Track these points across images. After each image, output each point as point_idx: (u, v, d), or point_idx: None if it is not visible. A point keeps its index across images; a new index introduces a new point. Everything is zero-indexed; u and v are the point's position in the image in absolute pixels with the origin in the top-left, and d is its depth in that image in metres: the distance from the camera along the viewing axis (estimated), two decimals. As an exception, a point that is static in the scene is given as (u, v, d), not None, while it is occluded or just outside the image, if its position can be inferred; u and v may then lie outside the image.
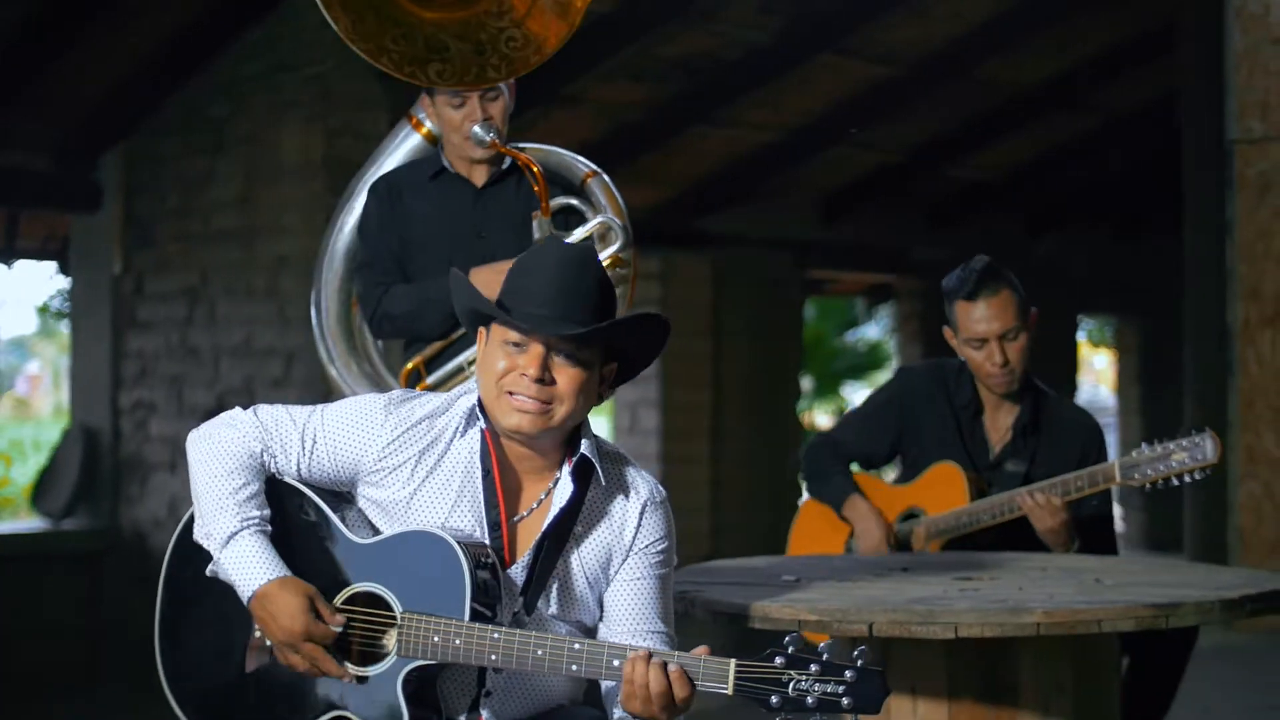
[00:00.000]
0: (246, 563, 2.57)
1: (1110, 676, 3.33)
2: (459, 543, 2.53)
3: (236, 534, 2.58)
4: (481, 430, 2.63)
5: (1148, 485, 3.76)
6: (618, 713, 2.58)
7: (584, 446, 2.63)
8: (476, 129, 3.59)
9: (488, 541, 2.61)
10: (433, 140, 3.81)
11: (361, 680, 2.56)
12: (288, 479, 2.67)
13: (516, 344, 2.56)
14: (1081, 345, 16.84)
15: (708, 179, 9.82)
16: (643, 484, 2.68)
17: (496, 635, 2.49)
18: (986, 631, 2.83)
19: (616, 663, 2.45)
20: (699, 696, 2.45)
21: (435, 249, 3.63)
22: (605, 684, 2.66)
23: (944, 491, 4.03)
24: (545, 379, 2.55)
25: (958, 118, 10.23)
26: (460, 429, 2.64)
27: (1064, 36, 9.43)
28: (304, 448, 2.65)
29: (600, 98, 8.37)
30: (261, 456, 2.65)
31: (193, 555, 2.66)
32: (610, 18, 7.31)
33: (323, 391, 3.92)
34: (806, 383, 14.38)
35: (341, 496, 2.70)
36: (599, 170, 3.75)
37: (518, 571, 2.62)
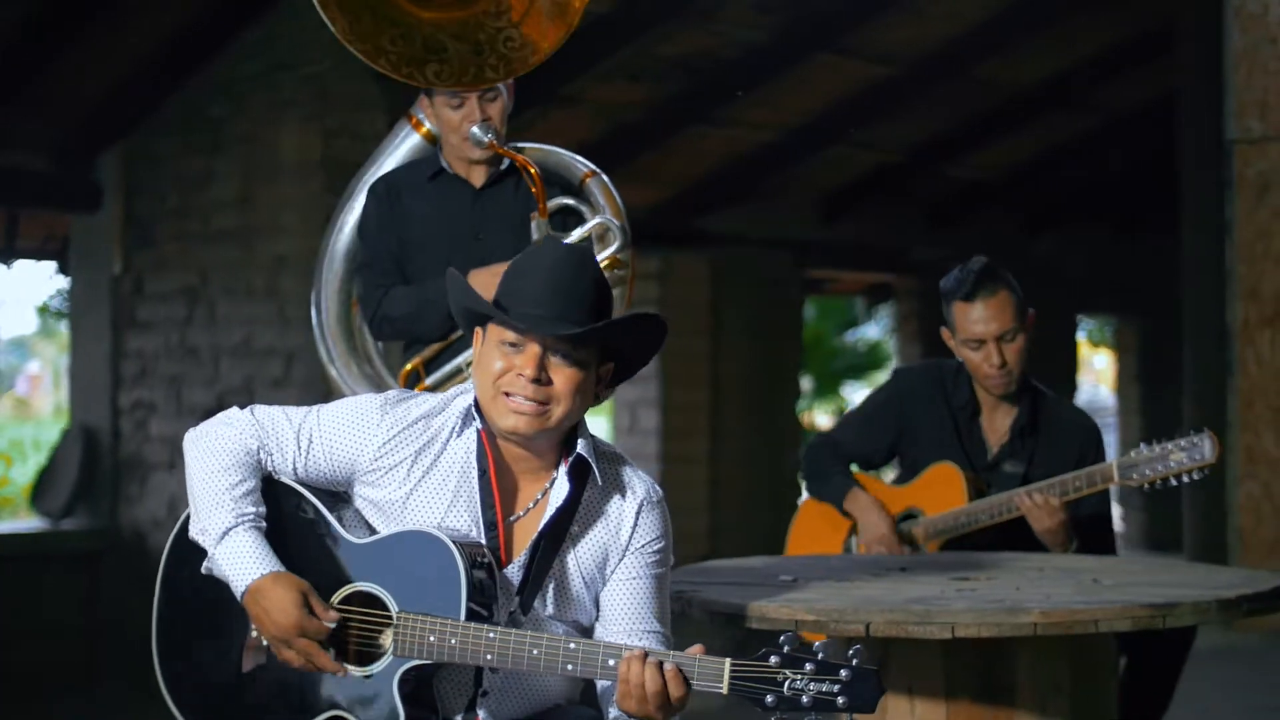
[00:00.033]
0: (240, 558, 2.57)
1: (1107, 677, 3.33)
2: (455, 542, 2.54)
3: (231, 530, 2.58)
4: (478, 430, 2.64)
5: (1146, 485, 3.76)
6: (613, 712, 2.58)
7: (580, 446, 2.63)
8: (475, 130, 3.59)
9: (484, 541, 2.61)
10: (432, 140, 3.81)
11: (357, 678, 2.56)
12: (284, 479, 2.68)
13: (513, 344, 2.56)
14: (1081, 345, 16.84)
15: (707, 179, 9.82)
16: (639, 483, 2.68)
17: (492, 635, 2.49)
18: (983, 632, 2.83)
19: (612, 662, 2.45)
20: (695, 696, 2.45)
21: (433, 250, 3.63)
22: (600, 683, 2.66)
23: (942, 492, 4.03)
24: (542, 379, 2.55)
25: (957, 117, 10.23)
26: (456, 429, 2.64)
27: (1063, 36, 9.42)
28: (300, 447, 2.65)
29: (599, 98, 8.37)
30: (258, 454, 2.65)
31: (190, 555, 2.66)
32: (608, 18, 7.31)
33: (323, 391, 3.92)
34: (806, 382, 14.38)
35: (338, 496, 2.70)
36: (598, 170, 3.75)
37: (514, 571, 2.63)
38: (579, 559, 2.65)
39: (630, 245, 3.67)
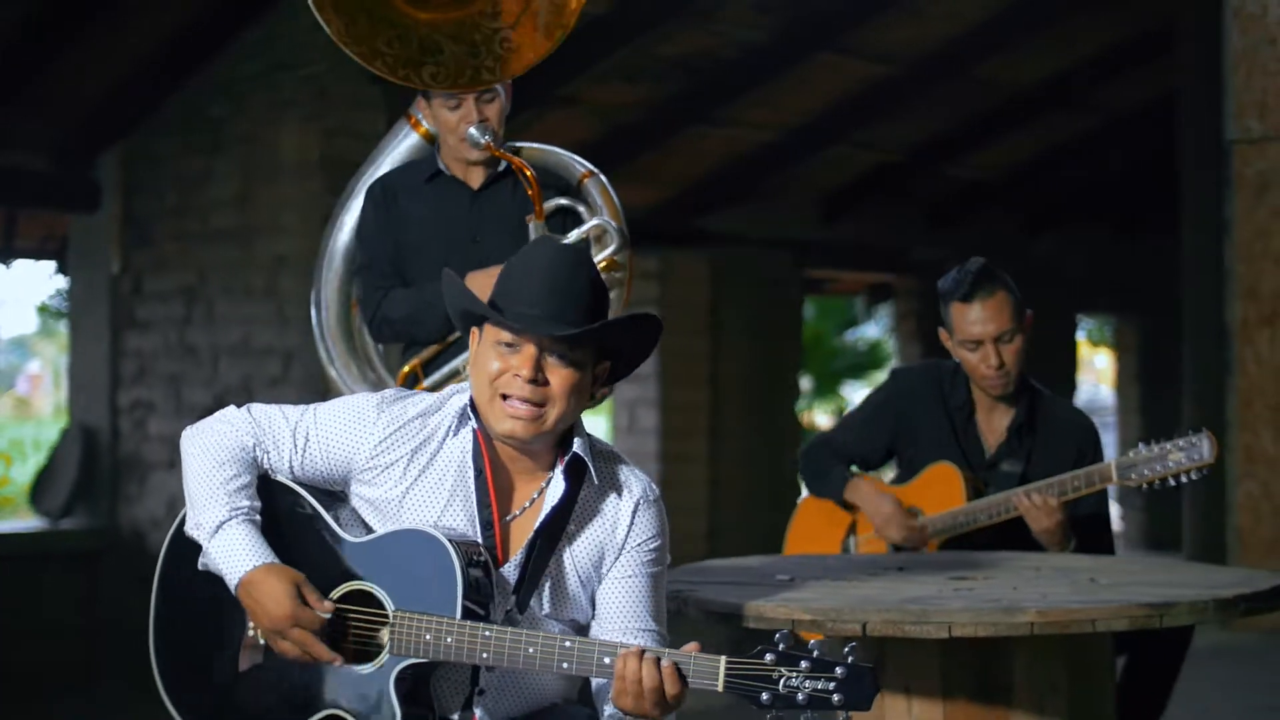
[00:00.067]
0: (233, 551, 2.57)
1: (1105, 676, 3.33)
2: (451, 541, 2.54)
3: (225, 524, 2.58)
4: (474, 430, 2.64)
5: (1145, 485, 3.76)
6: (608, 710, 2.58)
7: (577, 445, 2.63)
8: (472, 131, 3.59)
9: (480, 541, 2.62)
10: (431, 140, 3.80)
11: (354, 676, 2.56)
12: (281, 477, 2.68)
13: (509, 344, 2.56)
14: (1081, 345, 16.84)
15: (707, 178, 9.82)
16: (636, 482, 2.68)
17: (488, 633, 2.49)
18: (980, 631, 2.83)
19: (608, 660, 2.45)
20: (691, 695, 2.45)
21: (431, 253, 3.63)
22: (595, 681, 2.66)
23: (941, 491, 4.03)
24: (539, 379, 2.55)
25: (957, 117, 10.24)
26: (453, 428, 2.65)
27: (1063, 36, 9.43)
28: (296, 445, 2.65)
29: (598, 98, 8.37)
30: (254, 451, 2.65)
31: (187, 553, 2.66)
32: (607, 18, 7.32)
33: (321, 391, 3.92)
34: (806, 382, 14.38)
35: (335, 495, 2.70)
36: (596, 171, 3.74)
37: (510, 570, 2.63)
38: (575, 557, 2.65)
39: (628, 247, 3.67)
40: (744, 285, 10.24)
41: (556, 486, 2.63)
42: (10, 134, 7.00)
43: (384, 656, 2.55)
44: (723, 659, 2.39)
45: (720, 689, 2.39)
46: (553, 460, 2.65)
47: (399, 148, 3.87)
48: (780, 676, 2.35)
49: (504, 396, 2.56)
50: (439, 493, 2.63)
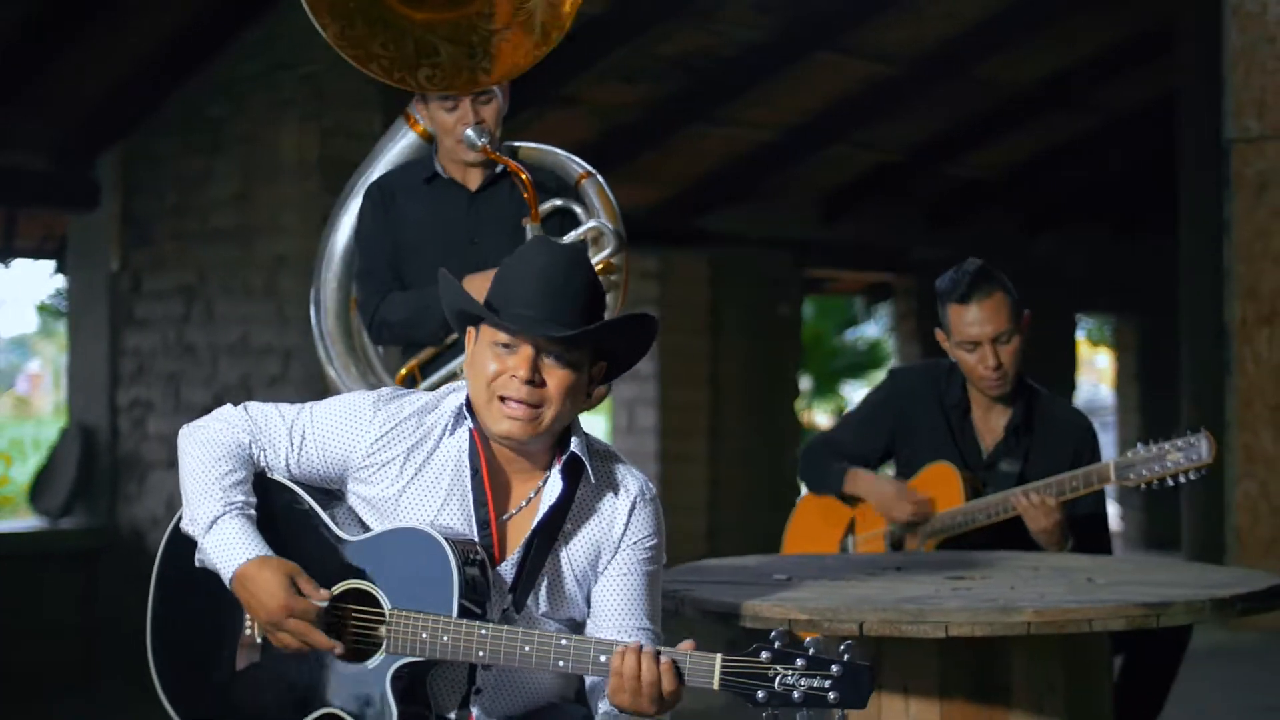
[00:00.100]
0: (227, 545, 2.57)
1: (1102, 676, 3.33)
2: (447, 539, 2.54)
3: (219, 518, 2.58)
4: (470, 429, 2.64)
5: (1143, 485, 3.76)
6: (603, 706, 2.58)
7: (574, 444, 2.63)
8: (469, 133, 3.59)
9: (477, 540, 2.62)
10: (429, 139, 3.80)
11: (350, 675, 2.57)
12: (278, 475, 2.68)
13: (506, 345, 2.56)
14: (1082, 344, 16.83)
15: (706, 178, 9.83)
16: (632, 481, 2.68)
17: (484, 632, 2.49)
18: (977, 631, 2.83)
19: (603, 659, 2.45)
20: (686, 695, 2.45)
21: (429, 255, 3.62)
22: (589, 679, 2.67)
23: (940, 491, 4.03)
24: (535, 380, 2.55)
25: (957, 117, 10.24)
26: (449, 428, 2.65)
27: (1063, 36, 9.44)
28: (293, 443, 2.66)
29: (597, 98, 8.37)
30: (250, 448, 2.66)
31: (184, 552, 2.66)
32: (606, 18, 7.32)
33: (320, 391, 3.92)
34: (805, 382, 14.38)
35: (331, 494, 2.70)
36: (593, 171, 3.74)
37: (507, 569, 2.63)
38: (571, 556, 2.65)
39: (625, 249, 3.67)
40: (743, 285, 10.24)
41: (554, 485, 2.63)
42: (10, 133, 7.00)
43: (380, 655, 2.55)
44: (718, 657, 2.39)
45: (716, 687, 2.39)
46: (549, 460, 2.65)
47: (397, 147, 3.87)
48: (776, 674, 2.35)
49: (501, 398, 2.56)
50: (435, 491, 2.63)
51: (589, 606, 2.68)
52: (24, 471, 13.41)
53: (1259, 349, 7.18)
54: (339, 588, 2.60)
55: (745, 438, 10.14)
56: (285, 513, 2.66)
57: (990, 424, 4.05)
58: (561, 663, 2.47)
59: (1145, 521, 13.29)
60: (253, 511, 2.61)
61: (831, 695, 2.33)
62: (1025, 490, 3.84)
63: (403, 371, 3.74)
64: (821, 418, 16.04)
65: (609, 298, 3.44)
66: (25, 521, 8.38)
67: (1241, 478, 7.15)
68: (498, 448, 2.63)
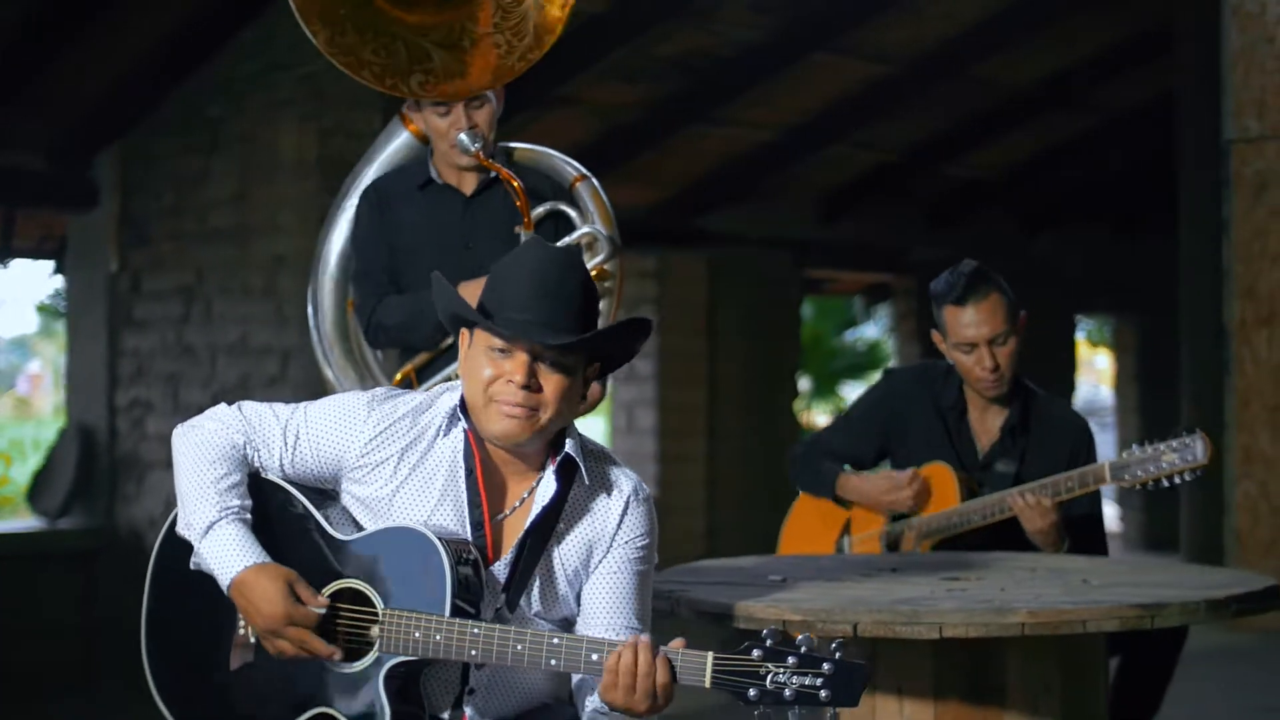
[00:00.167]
0: (225, 551, 2.57)
1: (1097, 677, 3.33)
2: (440, 539, 2.54)
3: (216, 523, 2.58)
4: (464, 430, 2.64)
5: (1138, 486, 3.76)
6: (590, 705, 2.58)
7: (568, 445, 2.63)
8: (462, 138, 3.58)
9: (470, 541, 2.62)
10: (425, 139, 3.80)
11: (344, 674, 2.57)
12: (272, 476, 2.68)
13: (502, 350, 2.56)
14: (1081, 345, 16.81)
15: (705, 178, 9.83)
16: (626, 481, 2.68)
17: (476, 631, 2.49)
18: (971, 632, 2.83)
19: (595, 657, 2.45)
20: (680, 695, 2.45)
21: (424, 259, 3.62)
22: (576, 677, 2.67)
23: (935, 492, 4.03)
24: (532, 385, 2.55)
25: (956, 117, 10.24)
26: (443, 428, 2.65)
27: (1062, 36, 9.44)
28: (287, 443, 2.66)
29: (596, 98, 8.37)
30: (244, 449, 2.66)
31: (179, 553, 2.66)
32: (604, 18, 7.32)
33: (319, 391, 3.92)
34: (805, 382, 14.38)
35: (325, 494, 2.70)
36: (588, 174, 3.74)
37: (500, 569, 2.63)
38: (564, 556, 2.65)
39: (619, 254, 3.66)
40: (742, 285, 10.24)
41: (547, 486, 2.63)
42: (8, 133, 7.00)
43: (374, 654, 2.55)
44: (710, 654, 2.39)
45: (707, 685, 2.39)
46: (543, 460, 2.66)
47: (391, 147, 3.87)
48: (768, 672, 2.35)
49: (498, 402, 2.56)
50: (429, 492, 2.63)
51: (580, 606, 2.67)
52: (24, 472, 13.41)
53: (1258, 350, 7.18)
54: (332, 587, 2.60)
55: (744, 438, 10.14)
56: (279, 513, 2.66)
57: (986, 425, 4.05)
58: (553, 661, 2.47)
59: (1145, 522, 13.28)
60: (249, 516, 2.62)
61: (823, 693, 2.32)
62: (1021, 491, 3.83)
63: (399, 375, 3.74)
64: (821, 419, 16.04)
65: (602, 304, 3.44)
66: (24, 522, 8.38)
67: (1240, 478, 7.15)
68: (493, 448, 2.64)
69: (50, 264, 8.77)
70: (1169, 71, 9.28)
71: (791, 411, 10.82)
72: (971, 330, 3.91)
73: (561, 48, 3.48)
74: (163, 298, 7.27)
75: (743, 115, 9.13)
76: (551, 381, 2.56)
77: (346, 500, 2.69)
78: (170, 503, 7.25)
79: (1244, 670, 6.84)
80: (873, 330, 16.89)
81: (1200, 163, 8.29)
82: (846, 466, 4.22)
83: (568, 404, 2.59)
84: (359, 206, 3.76)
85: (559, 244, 3.58)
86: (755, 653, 2.36)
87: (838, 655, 2.34)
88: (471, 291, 3.23)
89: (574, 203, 3.69)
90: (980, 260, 4.00)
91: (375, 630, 2.55)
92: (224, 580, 2.57)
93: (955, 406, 4.04)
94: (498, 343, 2.56)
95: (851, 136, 9.88)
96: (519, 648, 2.47)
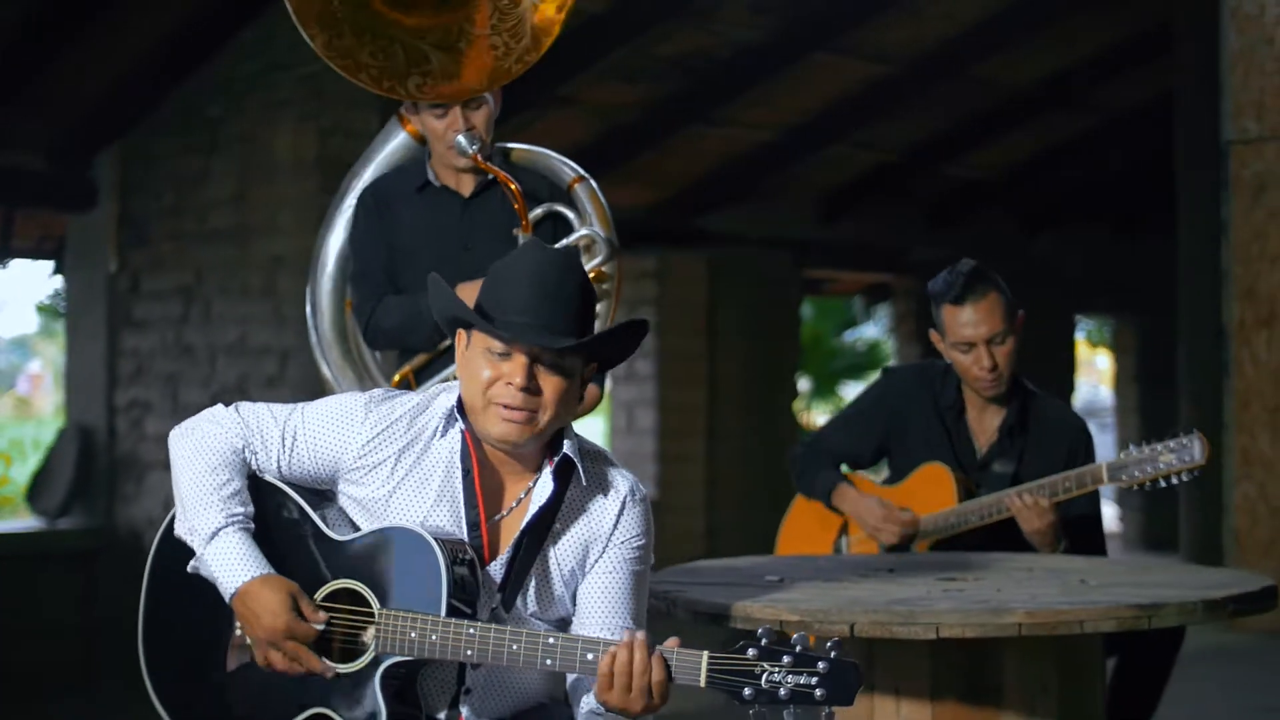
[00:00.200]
0: (229, 560, 2.57)
1: (1094, 677, 3.33)
2: (436, 539, 2.54)
3: (220, 531, 2.59)
4: (461, 431, 2.64)
5: (1136, 486, 3.76)
6: (585, 705, 2.58)
7: (566, 446, 2.63)
8: (460, 139, 3.58)
9: (466, 540, 2.62)
10: (422, 140, 3.80)
11: (342, 676, 2.57)
12: (268, 477, 2.68)
13: (501, 352, 2.56)
14: (1081, 345, 16.81)
15: (705, 178, 9.83)
16: (623, 481, 2.68)
17: (472, 630, 2.49)
18: (968, 632, 2.83)
19: (590, 656, 2.45)
20: (676, 696, 2.45)
21: (422, 261, 3.61)
22: (570, 677, 2.66)
23: (933, 492, 4.03)
24: (531, 388, 2.55)
25: (956, 117, 10.25)
26: (440, 429, 2.65)
27: (1062, 36, 9.44)
28: (284, 445, 2.66)
29: (596, 98, 8.38)
30: (243, 453, 2.66)
31: (176, 554, 2.66)
32: (604, 18, 7.32)
33: (317, 392, 3.92)
34: (804, 383, 14.37)
35: (322, 495, 2.71)
36: (586, 175, 3.73)
37: (496, 569, 2.63)
38: (560, 556, 2.65)
39: (617, 256, 3.66)
40: (742, 285, 10.24)
41: (544, 486, 2.63)
42: (8, 133, 7.01)
43: (370, 655, 2.56)
44: (705, 654, 2.39)
45: (702, 684, 2.38)
46: (540, 461, 2.66)
47: (389, 147, 3.86)
48: (763, 671, 2.35)
49: (497, 404, 2.56)
50: (425, 492, 2.63)
51: (576, 606, 2.68)
52: (24, 472, 13.41)
53: (1257, 351, 7.18)
54: (329, 588, 2.60)
55: (743, 439, 10.14)
56: (275, 514, 2.66)
57: (985, 425, 4.05)
58: (549, 661, 2.47)
59: (1144, 523, 13.29)
60: (252, 524, 2.62)
61: (818, 692, 2.32)
62: (1019, 491, 3.83)
63: (397, 377, 3.74)
64: (820, 419, 16.04)
65: (600, 306, 3.44)
66: (24, 522, 8.38)
67: (1239, 479, 7.15)
68: (490, 449, 2.64)
69: (50, 264, 8.77)
70: (1169, 72, 9.28)
71: (791, 412, 10.82)
72: (969, 329, 3.91)
73: (561, 48, 3.49)
74: (162, 298, 7.27)
75: (742, 115, 9.13)
76: (550, 384, 2.56)
77: (343, 501, 2.69)
78: (169, 503, 7.26)
79: (1242, 670, 6.84)
80: (872, 330, 16.90)
81: (1199, 164, 8.29)
82: (845, 466, 4.22)
83: (566, 406, 2.59)
84: (357, 208, 3.75)
85: (557, 246, 3.58)
86: (750, 652, 2.36)
87: (833, 654, 2.34)
88: (469, 293, 3.23)
89: (572, 204, 3.69)
90: (980, 260, 4.00)
91: (371, 631, 2.55)
92: (227, 589, 2.57)
93: (954, 406, 4.04)
94: (496, 345, 2.55)
95: (851, 136, 9.88)
96: (514, 648, 2.48)
